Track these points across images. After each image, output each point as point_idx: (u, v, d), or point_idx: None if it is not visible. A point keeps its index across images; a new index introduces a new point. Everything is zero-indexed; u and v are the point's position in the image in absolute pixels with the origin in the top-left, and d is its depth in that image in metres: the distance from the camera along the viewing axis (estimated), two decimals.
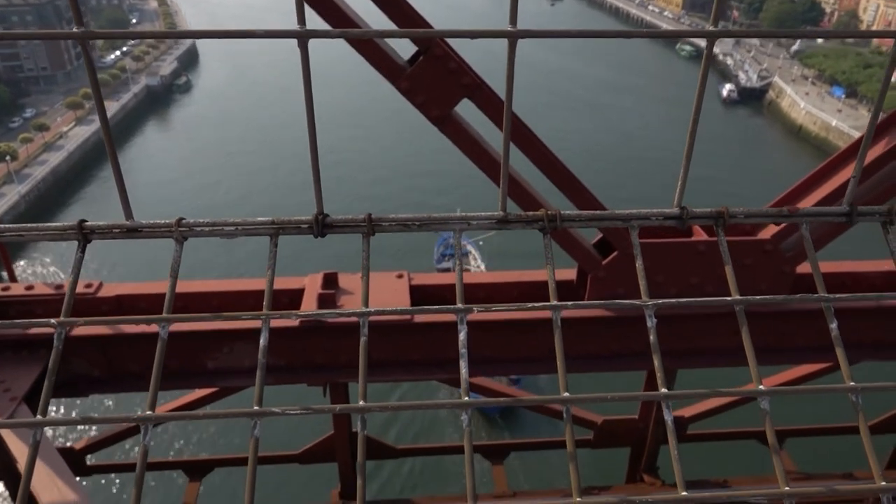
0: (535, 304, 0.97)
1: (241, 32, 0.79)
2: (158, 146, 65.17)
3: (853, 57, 77.34)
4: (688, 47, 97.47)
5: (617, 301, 0.96)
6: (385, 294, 4.09)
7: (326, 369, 4.12)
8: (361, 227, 1.01)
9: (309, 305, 3.94)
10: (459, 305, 0.96)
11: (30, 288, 4.14)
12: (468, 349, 0.93)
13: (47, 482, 3.38)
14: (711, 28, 0.91)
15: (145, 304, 4.13)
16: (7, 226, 1.00)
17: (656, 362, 0.94)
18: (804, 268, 4.09)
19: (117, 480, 25.28)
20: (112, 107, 71.41)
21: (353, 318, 3.62)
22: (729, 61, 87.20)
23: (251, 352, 4.04)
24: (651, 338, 0.94)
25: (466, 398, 0.91)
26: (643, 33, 0.96)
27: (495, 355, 4.11)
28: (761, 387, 0.90)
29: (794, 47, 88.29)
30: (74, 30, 0.79)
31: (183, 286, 4.21)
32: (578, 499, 0.83)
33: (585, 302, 1.01)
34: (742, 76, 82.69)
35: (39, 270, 44.42)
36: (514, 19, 0.85)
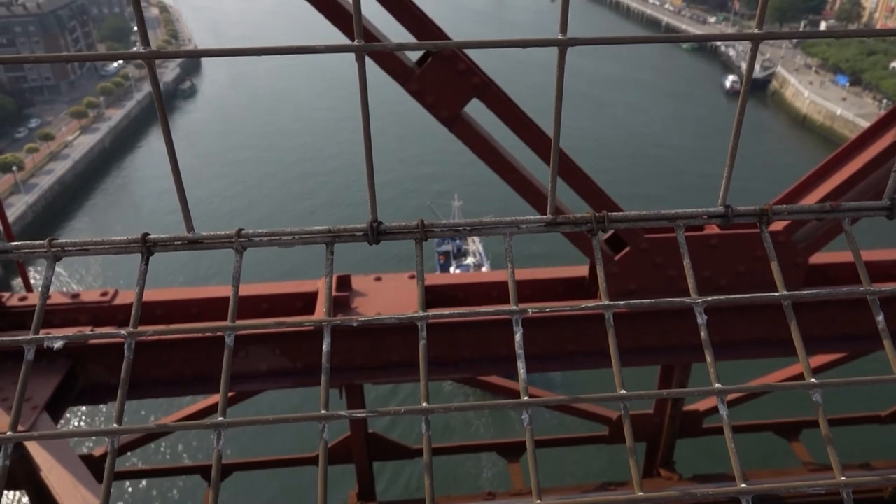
0: (588, 304, 0.98)
1: (300, 48, 0.81)
2: (164, 153, 65.28)
3: (856, 45, 76.91)
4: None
5: (668, 300, 0.98)
6: (399, 295, 4.12)
7: (343, 371, 4.14)
8: (415, 233, 1.04)
9: (323, 309, 3.97)
10: (514, 307, 0.98)
11: (46, 297, 4.18)
12: (524, 349, 0.94)
13: (71, 489, 3.41)
14: (756, 31, 0.92)
15: (161, 312, 4.16)
16: (71, 241, 1.03)
17: (708, 358, 0.96)
18: (816, 258, 4.10)
19: (142, 484, 25.39)
20: (116, 115, 71.69)
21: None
22: (732, 52, 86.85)
23: (266, 356, 4.07)
24: (703, 335, 0.95)
25: (526, 398, 0.93)
26: (688, 38, 0.98)
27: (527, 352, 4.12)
28: (813, 380, 0.92)
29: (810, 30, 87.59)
30: (141, 49, 0.81)
31: (195, 293, 4.24)
32: (641, 494, 0.85)
33: (636, 301, 1.02)
34: (745, 66, 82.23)
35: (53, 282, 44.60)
36: (564, 27, 0.86)
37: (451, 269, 40.63)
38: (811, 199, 3.91)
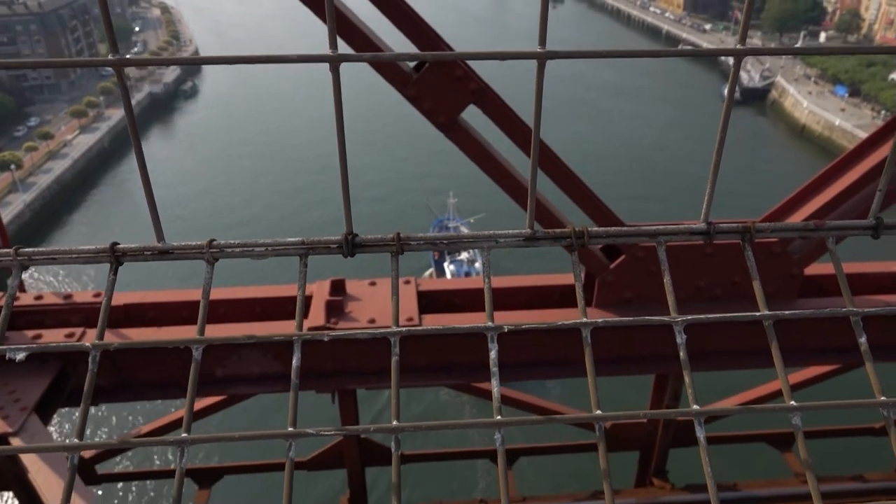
0: (566, 322, 0.96)
1: (273, 58, 0.79)
2: (163, 154, 65.45)
3: (856, 56, 77.20)
4: (688, 48, 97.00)
5: (646, 318, 0.96)
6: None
7: (335, 376, 4.12)
8: (391, 246, 1.02)
9: (317, 312, 3.95)
10: (490, 324, 0.96)
11: (39, 298, 4.16)
12: (499, 367, 0.92)
13: (57, 491, 3.39)
14: (739, 47, 0.91)
15: (153, 313, 4.14)
16: (37, 249, 1.01)
17: (687, 378, 0.94)
18: (812, 269, 4.09)
19: (134, 488, 25.29)
20: (116, 115, 71.68)
21: (363, 328, 3.61)
22: (731, 61, 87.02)
23: (259, 359, 4.05)
24: (681, 355, 0.93)
25: (499, 417, 0.91)
26: (673, 52, 0.96)
27: (510, 361, 4.11)
28: (792, 402, 0.90)
29: (797, 46, 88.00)
30: (110, 57, 0.79)
31: (187, 295, 4.22)
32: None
33: (615, 319, 1.00)
34: (744, 76, 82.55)
35: (50, 280, 44.52)
36: (543, 40, 0.84)
37: (445, 265, 40.97)
38: (802, 215, 3.92)
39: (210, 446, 27.26)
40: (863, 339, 0.88)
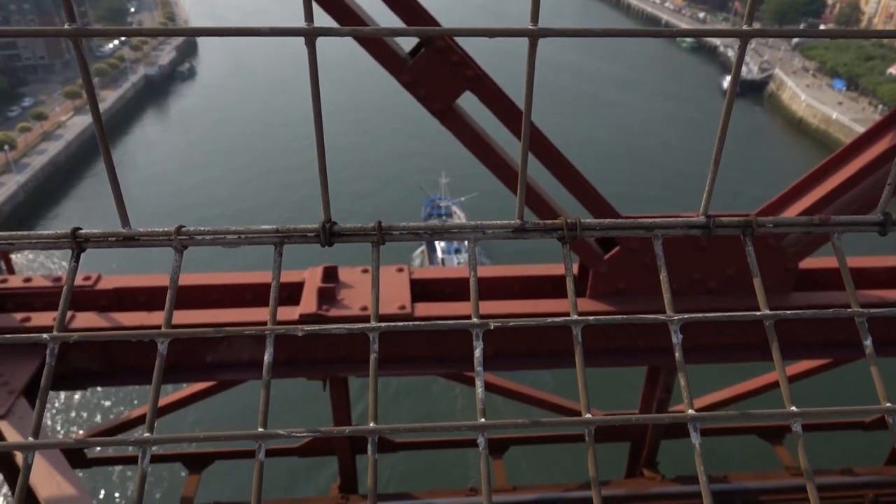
0: (556, 320, 0.92)
1: (245, 30, 0.75)
2: (157, 137, 65.05)
3: (854, 49, 77.05)
4: (689, 39, 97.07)
5: (640, 316, 0.92)
6: (385, 288, 4.07)
7: (326, 363, 4.10)
8: (371, 235, 0.97)
9: (309, 300, 3.92)
10: (475, 320, 0.91)
11: (28, 280, 4.11)
12: (483, 367, 0.88)
13: (45, 475, 3.36)
14: (746, 27, 0.87)
15: (144, 298, 4.10)
16: None
17: (682, 381, 0.90)
18: (806, 263, 4.07)
19: (124, 470, 25.30)
20: (110, 97, 71.11)
21: (357, 320, 3.55)
22: (730, 53, 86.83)
23: (249, 345, 4.02)
24: (677, 355, 0.89)
25: (482, 420, 0.86)
26: (670, 32, 0.92)
27: (502, 350, 4.09)
28: (793, 408, 0.86)
29: (796, 38, 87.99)
30: (66, 26, 0.75)
31: (180, 279, 4.17)
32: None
33: (608, 317, 0.96)
34: (743, 68, 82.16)
35: (42, 260, 44.31)
36: (535, 16, 0.79)
37: (436, 243, 41.30)
38: (799, 207, 3.89)
39: (202, 430, 27.31)
40: (868, 342, 0.85)
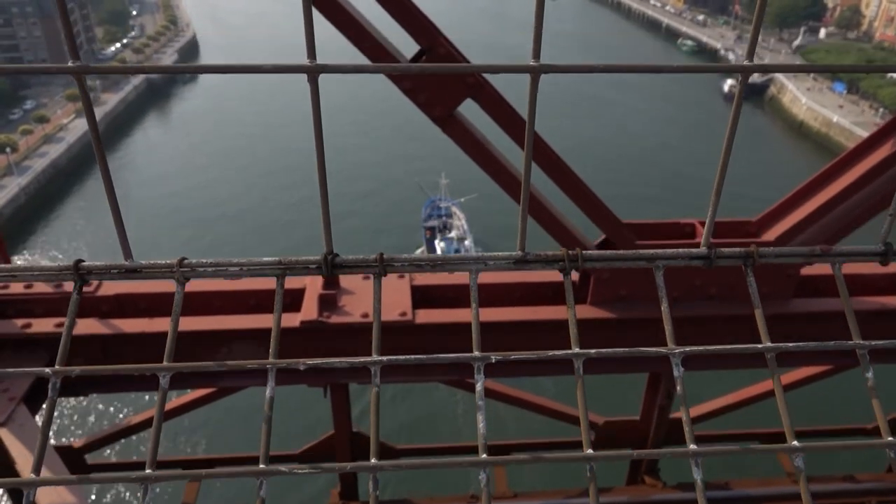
0: (556, 353, 0.91)
1: (248, 67, 0.75)
2: (159, 139, 65.12)
3: (855, 53, 77.13)
4: (689, 42, 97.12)
5: (642, 349, 0.92)
6: (386, 295, 4.07)
7: (327, 371, 4.10)
8: (373, 267, 0.97)
9: (310, 306, 3.92)
10: (476, 354, 0.91)
11: (29, 286, 4.11)
12: (484, 401, 0.87)
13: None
14: (746, 63, 0.87)
15: (145, 304, 4.10)
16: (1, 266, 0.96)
17: (684, 416, 0.89)
18: (806, 269, 4.07)
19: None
20: (112, 99, 71.23)
21: (358, 327, 3.53)
22: (731, 56, 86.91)
23: (251, 351, 4.02)
24: (678, 388, 0.89)
25: (484, 455, 0.85)
26: (675, 68, 0.91)
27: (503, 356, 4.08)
28: (795, 443, 0.85)
29: (797, 42, 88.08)
30: (70, 64, 0.75)
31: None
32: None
33: (608, 350, 0.96)
34: None
35: (42, 260, 44.25)
36: (537, 53, 0.80)
37: (436, 243, 42.86)
38: (802, 213, 3.89)
39: (201, 435, 27.28)
40: (869, 374, 0.84)
